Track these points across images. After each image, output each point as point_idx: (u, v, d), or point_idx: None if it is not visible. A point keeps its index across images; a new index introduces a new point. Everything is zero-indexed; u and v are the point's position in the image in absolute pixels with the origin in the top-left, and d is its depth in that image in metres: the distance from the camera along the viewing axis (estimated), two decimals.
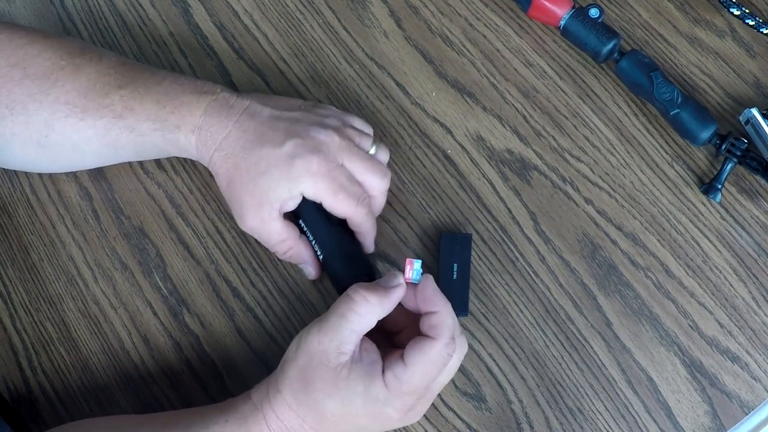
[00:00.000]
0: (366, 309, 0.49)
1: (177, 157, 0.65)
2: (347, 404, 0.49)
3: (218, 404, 0.54)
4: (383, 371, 0.49)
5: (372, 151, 0.60)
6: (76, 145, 0.59)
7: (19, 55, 0.59)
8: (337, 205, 0.57)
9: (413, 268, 0.51)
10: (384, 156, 0.61)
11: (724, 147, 0.63)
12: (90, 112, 0.58)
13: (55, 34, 0.62)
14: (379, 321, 0.52)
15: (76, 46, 0.61)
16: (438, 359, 0.49)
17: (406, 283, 0.51)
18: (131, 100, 0.58)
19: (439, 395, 0.58)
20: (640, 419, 0.58)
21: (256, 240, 0.63)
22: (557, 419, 0.58)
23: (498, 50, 0.70)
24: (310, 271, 0.61)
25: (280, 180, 0.55)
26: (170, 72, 0.61)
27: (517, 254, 0.63)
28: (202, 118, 0.57)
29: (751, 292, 0.61)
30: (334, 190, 0.56)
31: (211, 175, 0.66)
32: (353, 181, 0.57)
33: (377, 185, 0.59)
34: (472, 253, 0.62)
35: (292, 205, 0.57)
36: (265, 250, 0.63)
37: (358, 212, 0.57)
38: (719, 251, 0.63)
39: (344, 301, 0.50)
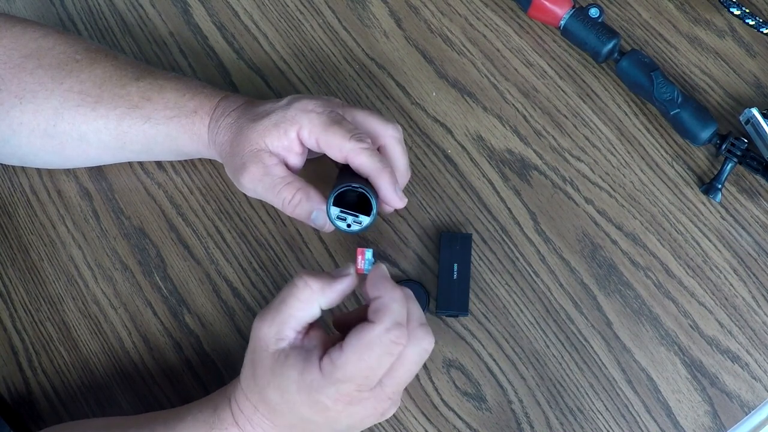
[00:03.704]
0: (307, 295, 0.47)
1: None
2: (284, 391, 0.47)
3: (201, 399, 0.54)
4: (321, 357, 0.47)
5: None
6: (83, 137, 0.59)
7: (33, 47, 0.59)
8: (331, 139, 0.54)
9: (365, 258, 0.50)
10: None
11: (724, 147, 0.63)
12: (104, 102, 0.59)
13: (68, 32, 0.62)
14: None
15: (90, 42, 0.62)
16: (375, 344, 0.45)
17: (359, 274, 0.49)
18: (149, 91, 0.59)
19: (439, 395, 0.59)
20: (641, 419, 0.58)
21: (255, 240, 0.64)
22: (557, 419, 0.58)
23: (498, 50, 0.70)
24: (324, 219, 0.56)
25: (278, 122, 0.55)
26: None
27: (518, 254, 0.63)
28: (218, 102, 0.59)
29: (751, 292, 0.61)
30: (327, 125, 0.54)
31: (212, 175, 0.66)
32: (350, 124, 0.56)
33: (384, 130, 0.57)
34: (473, 253, 0.62)
35: (294, 159, 0.57)
36: (265, 249, 0.63)
37: (354, 148, 0.54)
38: (719, 251, 0.63)
39: (287, 287, 0.48)
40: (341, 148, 0.54)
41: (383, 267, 0.49)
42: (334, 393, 0.46)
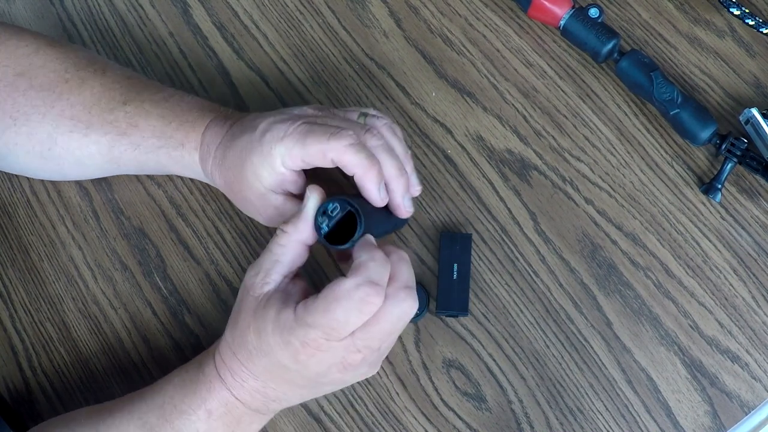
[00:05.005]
0: (285, 239, 0.49)
1: None
2: (261, 332, 0.48)
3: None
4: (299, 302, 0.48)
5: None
6: (79, 160, 0.59)
7: (25, 64, 0.59)
8: (311, 151, 0.51)
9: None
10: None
11: (724, 147, 0.63)
12: (94, 127, 0.58)
13: (60, 42, 0.61)
14: None
15: (81, 56, 0.61)
16: (343, 298, 0.45)
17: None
18: (136, 117, 0.58)
19: (439, 395, 0.59)
20: (641, 419, 0.58)
21: (255, 240, 0.64)
22: (557, 419, 0.58)
23: (498, 50, 0.70)
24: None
25: (261, 163, 0.53)
26: (177, 90, 0.61)
27: (517, 254, 0.63)
28: (203, 134, 0.57)
29: (751, 292, 0.61)
30: (302, 140, 0.51)
31: None
32: (327, 124, 0.52)
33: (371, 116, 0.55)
34: (472, 253, 0.62)
35: (293, 187, 0.54)
36: None
37: (334, 147, 0.50)
38: (719, 251, 0.63)
39: (271, 239, 0.50)
40: (324, 154, 0.50)
41: (369, 236, 0.49)
42: (303, 336, 0.46)
